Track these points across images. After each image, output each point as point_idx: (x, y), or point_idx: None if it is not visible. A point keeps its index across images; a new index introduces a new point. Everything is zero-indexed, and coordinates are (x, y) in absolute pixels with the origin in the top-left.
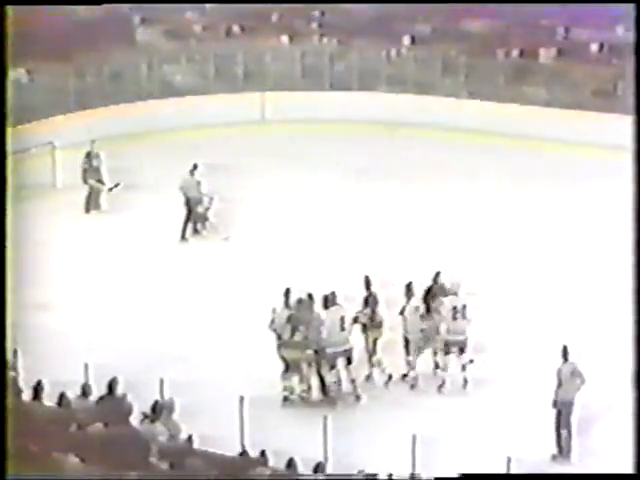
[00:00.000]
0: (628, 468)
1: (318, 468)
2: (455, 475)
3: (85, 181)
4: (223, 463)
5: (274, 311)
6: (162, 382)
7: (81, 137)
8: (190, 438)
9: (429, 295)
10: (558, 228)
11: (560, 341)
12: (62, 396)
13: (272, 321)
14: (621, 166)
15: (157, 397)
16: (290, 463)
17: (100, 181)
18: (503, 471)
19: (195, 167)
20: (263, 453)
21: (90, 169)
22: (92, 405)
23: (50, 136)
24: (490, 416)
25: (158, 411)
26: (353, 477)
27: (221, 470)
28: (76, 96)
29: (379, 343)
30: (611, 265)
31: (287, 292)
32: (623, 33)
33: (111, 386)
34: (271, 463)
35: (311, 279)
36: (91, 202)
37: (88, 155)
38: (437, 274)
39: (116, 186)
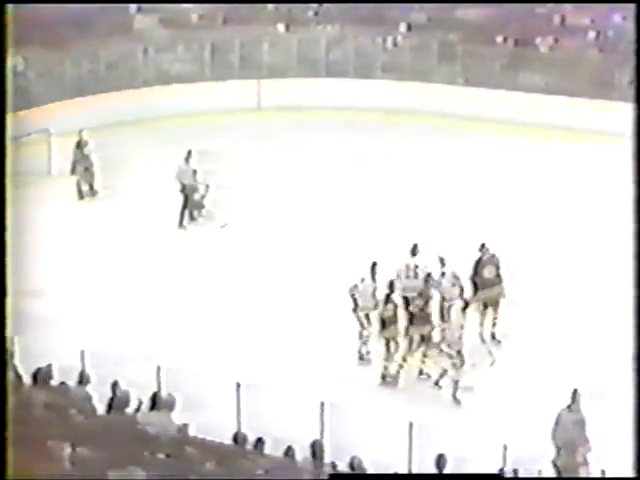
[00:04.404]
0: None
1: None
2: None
3: (73, 172)
4: (220, 452)
5: (362, 280)
6: (159, 369)
7: (77, 124)
8: (186, 427)
9: (479, 265)
10: (557, 214)
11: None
12: (61, 384)
13: (355, 286)
14: (619, 153)
15: (154, 384)
16: (288, 452)
17: (88, 169)
18: None
19: (189, 154)
20: (260, 440)
21: (81, 158)
22: (89, 393)
23: (46, 123)
24: None
25: (157, 404)
26: None
27: (218, 459)
28: (72, 83)
29: None
30: (612, 252)
31: (374, 265)
32: (620, 21)
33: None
34: (268, 451)
35: (306, 265)
36: (84, 189)
37: (78, 145)
38: (483, 245)
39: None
